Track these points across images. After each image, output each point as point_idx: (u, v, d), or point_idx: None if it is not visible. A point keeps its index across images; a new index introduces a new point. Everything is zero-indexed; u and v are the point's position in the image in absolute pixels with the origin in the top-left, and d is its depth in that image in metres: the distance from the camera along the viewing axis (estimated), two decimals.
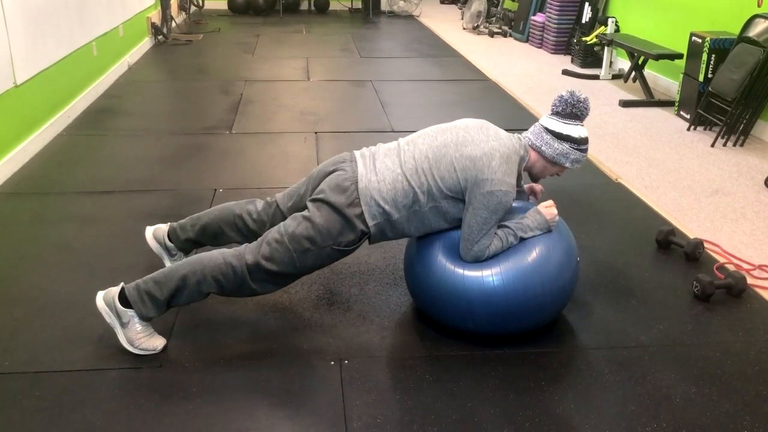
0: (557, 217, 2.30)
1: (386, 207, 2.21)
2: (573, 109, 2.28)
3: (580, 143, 2.30)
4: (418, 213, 2.24)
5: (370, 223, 2.22)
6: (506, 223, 2.27)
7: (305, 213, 2.24)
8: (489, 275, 2.19)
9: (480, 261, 2.21)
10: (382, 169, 2.25)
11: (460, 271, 2.22)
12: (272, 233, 2.24)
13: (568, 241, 2.32)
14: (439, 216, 2.26)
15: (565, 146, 2.29)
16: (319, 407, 1.99)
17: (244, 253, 2.22)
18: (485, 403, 2.03)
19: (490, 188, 2.15)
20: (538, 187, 2.57)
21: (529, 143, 2.33)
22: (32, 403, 1.98)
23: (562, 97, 2.29)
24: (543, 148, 2.30)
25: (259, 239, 2.26)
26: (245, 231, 2.49)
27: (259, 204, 2.52)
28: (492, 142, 2.22)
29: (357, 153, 2.34)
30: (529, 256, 2.21)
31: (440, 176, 2.20)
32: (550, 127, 2.30)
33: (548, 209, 2.29)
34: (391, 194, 2.21)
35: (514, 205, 2.39)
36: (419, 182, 2.21)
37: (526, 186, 2.56)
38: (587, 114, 2.31)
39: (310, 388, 2.08)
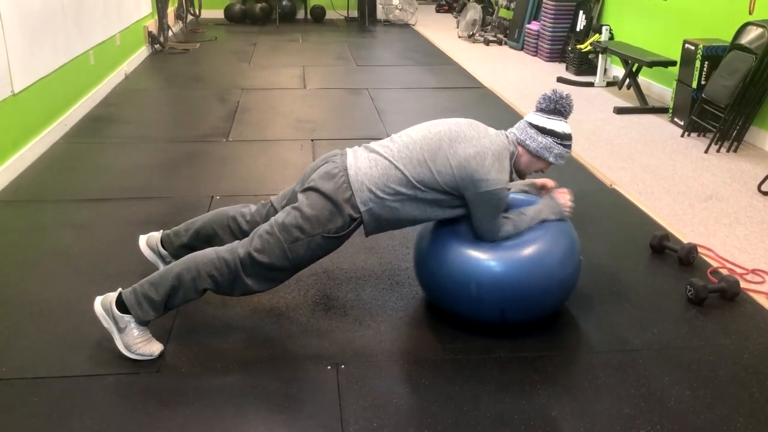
0: (571, 202, 2.38)
1: (378, 192, 2.25)
2: (556, 105, 2.35)
3: (564, 138, 2.36)
4: (414, 200, 2.28)
5: (362, 208, 2.25)
6: (521, 209, 2.37)
7: (294, 204, 2.29)
8: (494, 260, 2.28)
9: (496, 240, 2.32)
10: (375, 157, 2.31)
11: (467, 253, 2.32)
12: (263, 226, 2.27)
13: (571, 235, 2.40)
14: (434, 205, 2.30)
15: (548, 140, 2.34)
16: (315, 412, 2.00)
17: (237, 247, 2.25)
18: (481, 406, 2.04)
19: (486, 188, 2.22)
20: (550, 182, 2.59)
21: (515, 138, 2.38)
22: (29, 408, 1.99)
23: (545, 94, 2.37)
24: (527, 142, 2.35)
25: (251, 233, 2.28)
26: (238, 233, 2.51)
27: (253, 207, 2.55)
28: (483, 139, 2.28)
29: (348, 149, 2.40)
30: (534, 244, 2.30)
31: (437, 170, 2.24)
32: (534, 122, 2.36)
33: (563, 195, 2.39)
34: (383, 179, 2.25)
35: (527, 198, 2.50)
36: (414, 172, 2.25)
37: (538, 181, 2.59)
38: (570, 110, 2.38)
39: (306, 392, 2.09)
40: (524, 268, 2.27)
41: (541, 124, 2.35)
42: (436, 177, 2.24)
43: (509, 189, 2.29)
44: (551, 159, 2.37)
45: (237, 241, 2.29)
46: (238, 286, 2.25)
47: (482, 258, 2.29)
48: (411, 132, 2.38)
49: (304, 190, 2.29)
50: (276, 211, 2.48)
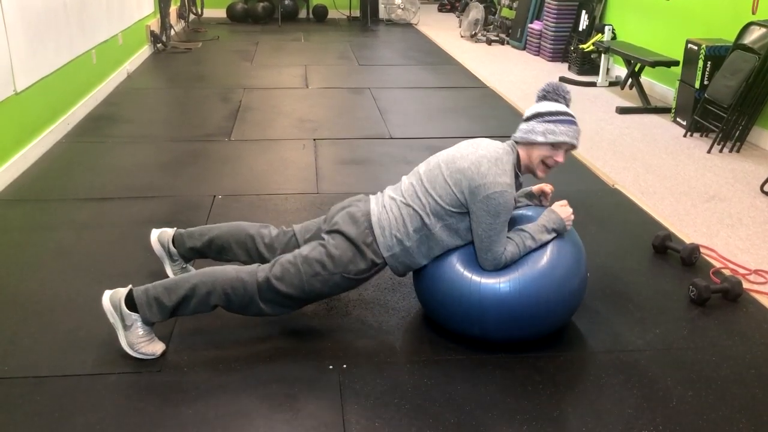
0: (572, 216, 2.32)
1: (398, 235, 2.27)
2: (542, 93, 2.34)
3: (548, 115, 2.26)
4: (430, 236, 2.27)
5: (386, 254, 2.28)
6: (522, 227, 2.28)
7: (321, 241, 2.31)
8: (499, 282, 2.20)
9: (499, 268, 2.21)
10: (389, 201, 2.34)
11: (471, 277, 2.23)
12: (287, 256, 2.29)
13: (577, 247, 2.32)
14: (451, 234, 2.28)
15: (530, 124, 2.29)
16: (317, 411, 2.00)
17: (257, 271, 2.25)
18: (483, 406, 2.04)
19: (485, 192, 2.17)
20: (547, 187, 2.55)
21: (512, 141, 2.36)
22: (32, 407, 1.99)
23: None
24: (516, 134, 2.33)
25: (273, 260, 2.29)
26: (254, 252, 2.50)
27: (273, 230, 2.52)
28: (480, 151, 2.25)
29: (371, 195, 2.43)
30: (539, 262, 2.22)
31: (438, 195, 2.25)
32: (524, 115, 2.36)
33: (563, 208, 2.32)
34: (400, 221, 2.28)
35: (528, 212, 2.40)
36: (421, 204, 2.27)
37: (534, 188, 2.56)
38: (554, 89, 2.32)
39: (308, 392, 2.09)
40: (530, 288, 2.18)
41: (527, 113, 2.33)
42: (439, 201, 2.24)
43: (513, 195, 2.22)
44: (540, 139, 2.24)
45: (257, 265, 2.30)
46: (252, 308, 2.26)
47: (485, 282, 2.21)
48: (418, 168, 2.40)
49: (329, 232, 2.31)
50: (298, 243, 2.48)
